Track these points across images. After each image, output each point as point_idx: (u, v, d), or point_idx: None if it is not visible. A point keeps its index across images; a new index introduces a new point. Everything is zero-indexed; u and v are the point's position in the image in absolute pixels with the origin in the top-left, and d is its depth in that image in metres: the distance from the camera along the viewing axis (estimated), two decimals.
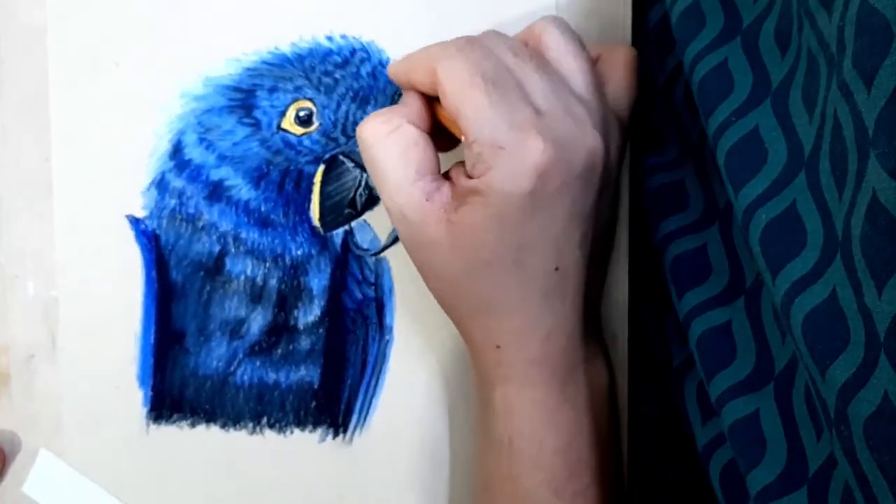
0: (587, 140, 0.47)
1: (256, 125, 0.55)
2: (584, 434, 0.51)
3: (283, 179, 0.56)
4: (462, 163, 0.48)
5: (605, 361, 0.54)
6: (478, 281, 0.48)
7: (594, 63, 0.52)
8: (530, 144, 0.45)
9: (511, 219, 0.46)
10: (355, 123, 0.55)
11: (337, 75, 0.55)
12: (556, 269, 0.48)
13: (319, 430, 0.57)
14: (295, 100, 0.55)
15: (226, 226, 0.56)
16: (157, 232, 0.56)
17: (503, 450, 0.51)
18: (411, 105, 0.49)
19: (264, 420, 0.57)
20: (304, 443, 0.57)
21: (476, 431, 0.55)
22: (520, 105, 0.46)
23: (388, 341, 0.57)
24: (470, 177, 0.46)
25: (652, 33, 0.58)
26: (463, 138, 0.46)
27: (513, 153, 0.45)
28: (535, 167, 0.45)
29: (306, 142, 0.55)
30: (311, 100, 0.55)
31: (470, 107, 0.45)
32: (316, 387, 0.57)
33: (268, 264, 0.56)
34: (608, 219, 0.53)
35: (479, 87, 0.45)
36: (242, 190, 0.56)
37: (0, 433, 0.57)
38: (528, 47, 0.50)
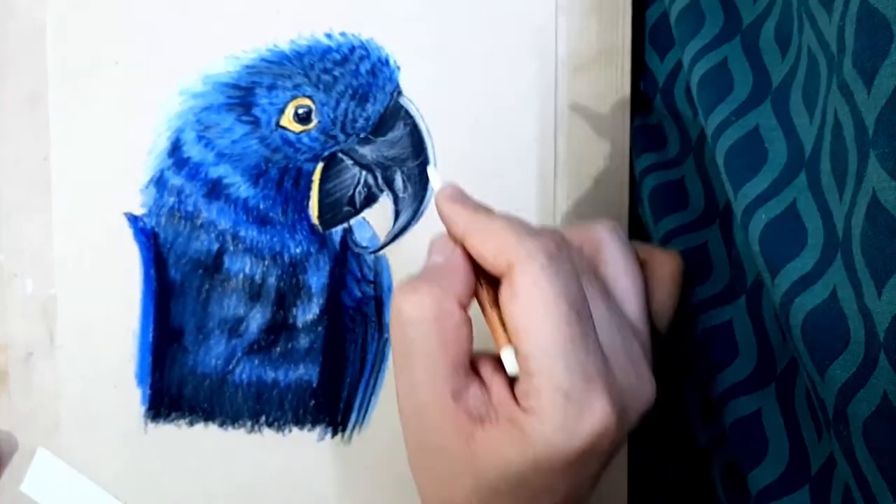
0: (645, 392, 0.42)
1: (255, 123, 0.55)
2: None
3: (281, 177, 0.56)
4: (501, 366, 0.41)
5: None
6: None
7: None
8: (596, 405, 0.39)
9: (546, 470, 0.39)
10: (354, 121, 0.55)
11: (336, 73, 0.55)
12: None
13: (318, 429, 0.57)
14: (294, 97, 0.55)
15: (224, 224, 0.56)
16: (156, 230, 0.56)
17: None
18: (463, 283, 0.42)
19: (263, 419, 0.57)
20: (303, 441, 0.57)
21: None
22: (593, 348, 0.40)
23: (386, 339, 0.57)
24: (514, 399, 0.40)
25: (652, 30, 0.57)
26: (514, 362, 0.40)
27: (576, 408, 0.39)
28: (594, 430, 0.39)
29: (305, 139, 0.55)
30: (309, 97, 0.55)
31: (548, 336, 0.39)
32: (315, 385, 0.57)
33: (266, 262, 0.56)
34: None
35: (563, 317, 0.39)
36: (241, 188, 0.56)
37: None
38: (584, 255, 0.45)
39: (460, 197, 0.43)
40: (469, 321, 0.41)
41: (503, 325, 0.40)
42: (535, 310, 0.39)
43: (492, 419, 0.40)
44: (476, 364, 0.42)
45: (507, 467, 0.39)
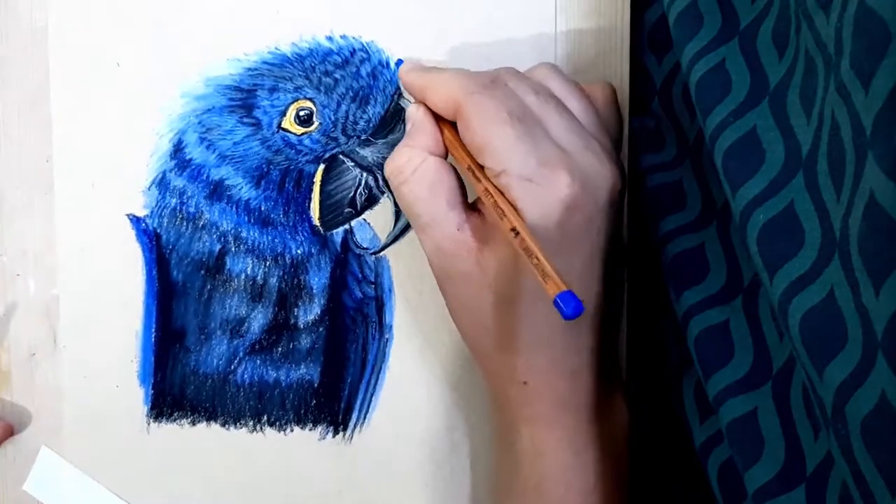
0: (609, 175, 0.48)
1: (257, 125, 0.56)
2: (609, 476, 0.51)
3: (283, 179, 0.56)
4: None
5: (624, 400, 0.53)
6: (505, 316, 0.48)
7: None
8: (558, 178, 0.46)
9: None
10: (355, 123, 0.55)
11: (337, 75, 0.55)
12: None
13: (319, 428, 0.57)
14: (295, 99, 0.55)
15: (226, 225, 0.56)
16: (158, 231, 0.56)
17: (528, 493, 0.51)
18: (429, 134, 0.49)
19: (264, 418, 0.57)
20: (305, 441, 0.57)
21: (496, 473, 0.54)
22: (545, 142, 0.47)
23: (387, 340, 0.57)
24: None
25: (650, 33, 0.58)
26: (486, 170, 0.47)
27: (541, 186, 0.46)
28: (563, 200, 0.46)
29: (306, 141, 0.56)
30: (311, 99, 0.55)
31: (499, 140, 0.46)
32: (316, 385, 0.57)
33: (268, 263, 0.56)
34: (618, 252, 0.52)
35: (506, 122, 0.46)
36: (243, 189, 0.56)
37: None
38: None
39: (418, 66, 0.52)
40: (447, 164, 0.49)
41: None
42: (483, 126, 0.46)
43: (491, 236, 0.47)
44: (477, 204, 0.49)
45: (508, 268, 0.47)
